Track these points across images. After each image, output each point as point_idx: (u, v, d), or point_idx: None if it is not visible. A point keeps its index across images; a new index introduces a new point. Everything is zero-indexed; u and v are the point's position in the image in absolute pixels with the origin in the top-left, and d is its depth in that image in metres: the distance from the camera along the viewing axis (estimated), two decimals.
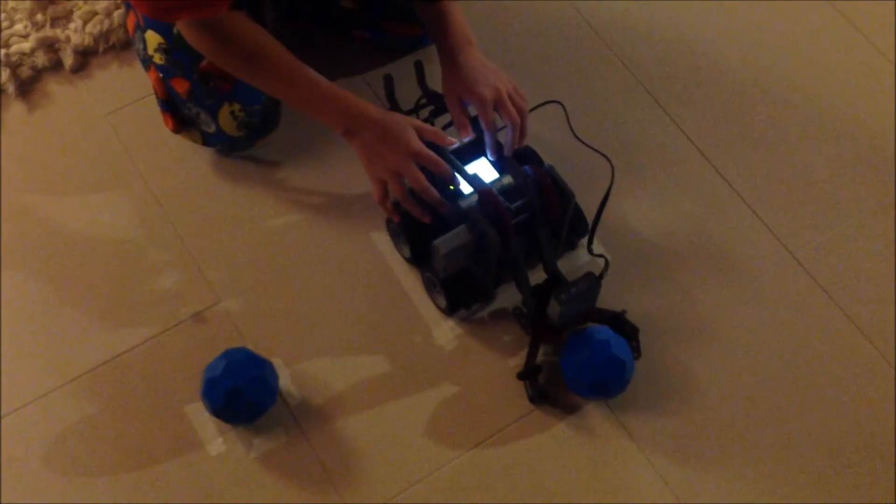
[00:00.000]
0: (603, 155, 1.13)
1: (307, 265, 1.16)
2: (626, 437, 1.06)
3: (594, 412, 1.07)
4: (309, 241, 1.18)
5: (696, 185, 1.25)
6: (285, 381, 1.07)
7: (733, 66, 1.36)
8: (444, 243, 1.02)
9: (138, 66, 1.27)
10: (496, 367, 1.10)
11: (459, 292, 1.09)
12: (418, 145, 1.04)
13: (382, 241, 1.18)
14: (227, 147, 1.21)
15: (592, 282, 1.03)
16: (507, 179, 1.07)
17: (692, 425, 1.07)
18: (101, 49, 1.31)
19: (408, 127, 1.05)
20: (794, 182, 1.25)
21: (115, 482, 1.02)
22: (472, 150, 1.10)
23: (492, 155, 1.10)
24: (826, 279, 1.18)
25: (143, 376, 1.08)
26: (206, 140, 1.19)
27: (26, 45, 1.29)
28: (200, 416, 1.05)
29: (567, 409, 1.07)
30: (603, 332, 1.04)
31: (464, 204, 1.04)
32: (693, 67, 1.35)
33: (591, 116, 1.29)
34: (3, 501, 1.01)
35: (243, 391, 1.00)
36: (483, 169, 1.09)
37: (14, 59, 1.28)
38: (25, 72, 1.29)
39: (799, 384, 1.10)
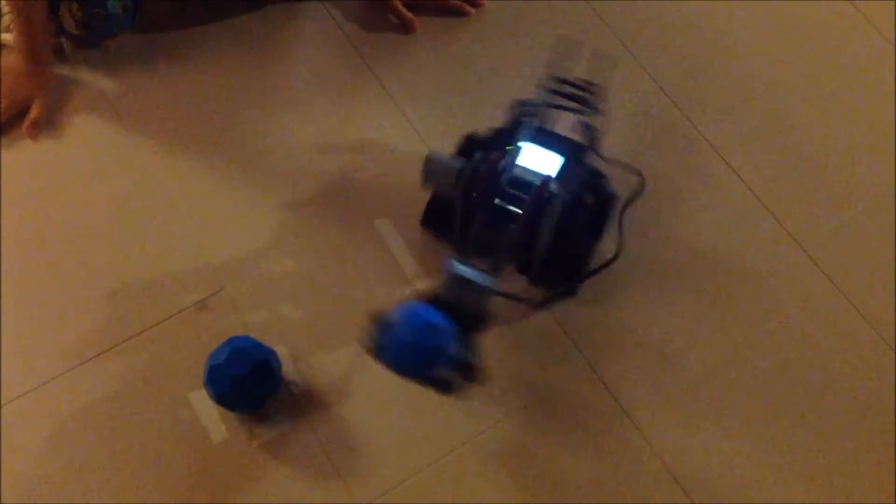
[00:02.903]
0: (636, 171, 1.12)
1: (311, 253, 1.15)
2: (635, 432, 1.06)
3: (601, 407, 1.07)
4: (312, 229, 1.17)
5: (701, 175, 1.24)
6: (289, 369, 1.07)
7: (740, 53, 1.35)
8: (437, 155, 1.04)
9: (145, 56, 1.26)
10: (499, 357, 1.10)
11: (441, 222, 1.08)
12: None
13: (386, 228, 1.17)
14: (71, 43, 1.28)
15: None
16: (539, 178, 1.01)
17: (700, 418, 1.07)
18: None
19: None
20: (801, 169, 1.25)
21: (118, 469, 1.02)
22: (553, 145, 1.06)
23: None
24: (831, 267, 1.17)
25: (146, 364, 1.07)
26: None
27: None
28: (204, 404, 1.04)
29: (574, 401, 1.07)
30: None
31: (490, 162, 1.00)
32: (700, 55, 1.34)
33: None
34: (3, 488, 1.00)
35: (247, 379, 1.00)
36: (539, 159, 1.04)
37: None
38: None
39: (806, 375, 1.10)
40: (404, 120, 1.26)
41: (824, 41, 1.37)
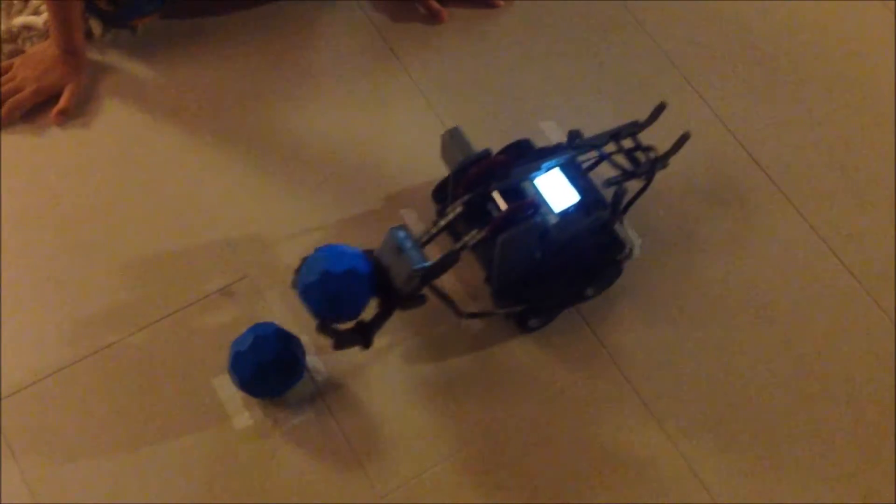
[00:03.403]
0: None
1: (335, 240, 1.15)
2: (661, 434, 1.06)
3: (625, 407, 1.07)
4: (336, 218, 1.17)
5: (717, 163, 1.24)
6: (312, 357, 1.07)
7: (758, 41, 1.35)
8: (460, 132, 1.04)
9: (173, 42, 1.26)
10: (519, 349, 1.10)
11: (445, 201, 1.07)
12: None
13: (411, 218, 1.17)
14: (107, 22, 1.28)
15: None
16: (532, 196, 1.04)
17: (712, 409, 1.07)
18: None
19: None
20: (823, 162, 1.25)
21: (140, 454, 1.02)
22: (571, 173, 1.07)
23: None
24: (852, 259, 1.17)
25: (170, 349, 1.08)
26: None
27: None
28: (227, 390, 1.04)
29: (597, 398, 1.07)
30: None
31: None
32: (736, 53, 1.34)
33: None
34: (26, 472, 1.01)
35: (271, 366, 1.00)
36: (557, 187, 1.06)
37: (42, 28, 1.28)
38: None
39: (819, 371, 1.10)
40: (430, 111, 1.26)
41: (860, 42, 1.36)
